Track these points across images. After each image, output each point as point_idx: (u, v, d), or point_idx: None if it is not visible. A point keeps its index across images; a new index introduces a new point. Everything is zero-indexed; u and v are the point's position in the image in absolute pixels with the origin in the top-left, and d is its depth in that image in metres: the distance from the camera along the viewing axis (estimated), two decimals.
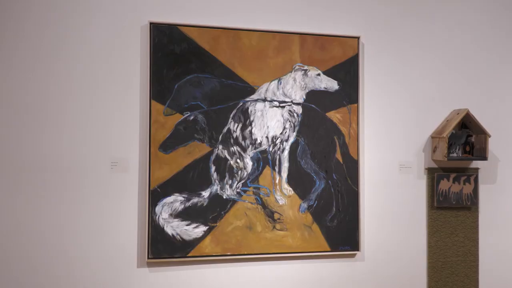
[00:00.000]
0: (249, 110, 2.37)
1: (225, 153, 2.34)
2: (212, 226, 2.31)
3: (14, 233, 2.15)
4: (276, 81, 2.40)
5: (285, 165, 2.40)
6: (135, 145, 2.26)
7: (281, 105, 2.40)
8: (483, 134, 2.55)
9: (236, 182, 2.34)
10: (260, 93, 2.38)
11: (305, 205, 2.42)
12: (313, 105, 2.43)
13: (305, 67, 2.42)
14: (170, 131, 2.26)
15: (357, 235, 2.47)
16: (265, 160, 2.38)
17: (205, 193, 2.30)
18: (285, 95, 2.40)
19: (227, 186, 2.33)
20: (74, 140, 2.20)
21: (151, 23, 2.24)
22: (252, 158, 2.37)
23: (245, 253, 2.34)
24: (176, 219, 2.26)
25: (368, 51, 2.54)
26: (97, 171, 2.22)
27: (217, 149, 2.33)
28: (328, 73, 2.45)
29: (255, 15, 2.41)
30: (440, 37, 2.65)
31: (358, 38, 2.49)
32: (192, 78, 2.29)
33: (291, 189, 2.40)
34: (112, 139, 2.24)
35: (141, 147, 2.26)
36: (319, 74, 2.44)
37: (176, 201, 2.27)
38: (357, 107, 2.48)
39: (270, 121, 2.39)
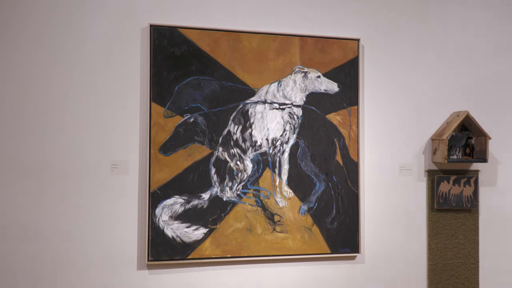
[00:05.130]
0: (249, 112, 2.37)
1: (225, 155, 2.34)
2: (212, 228, 2.30)
3: (15, 235, 2.15)
4: (276, 83, 2.40)
5: (285, 167, 2.40)
6: (135, 147, 2.26)
7: (281, 107, 2.40)
8: (483, 136, 2.55)
9: (236, 184, 2.34)
10: (260, 95, 2.38)
11: (305, 207, 2.42)
12: (313, 107, 2.43)
13: (305, 69, 2.42)
14: (170, 133, 2.26)
15: (357, 237, 2.47)
16: (265, 162, 2.38)
17: (205, 195, 2.30)
18: (285, 97, 2.40)
19: (227, 188, 2.33)
20: (75, 142, 2.20)
21: (151, 25, 2.24)
22: (252, 160, 2.37)
23: (245, 255, 2.34)
24: (176, 221, 2.26)
25: (368, 53, 2.55)
26: (97, 173, 2.22)
27: (217, 151, 2.33)
28: (328, 75, 2.45)
29: (255, 18, 2.41)
30: (440, 39, 2.65)
31: (358, 40, 2.49)
32: (192, 80, 2.29)
33: (291, 191, 2.40)
34: (112, 141, 2.24)
35: (141, 149, 2.26)
36: (319, 76, 2.44)
37: (176, 203, 2.26)
38: (357, 109, 2.48)
39: (270, 123, 2.39)
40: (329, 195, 2.44)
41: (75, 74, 2.21)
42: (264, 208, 2.37)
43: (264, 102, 2.38)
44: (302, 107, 2.42)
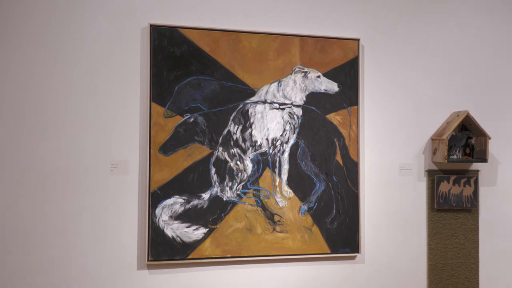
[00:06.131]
0: (249, 112, 2.37)
1: (225, 155, 2.34)
2: (212, 228, 2.30)
3: (15, 235, 2.15)
4: (276, 83, 2.40)
5: (285, 167, 2.40)
6: (135, 147, 2.26)
7: (281, 107, 2.40)
8: (483, 136, 2.55)
9: (236, 184, 2.34)
10: (260, 95, 2.38)
11: (305, 207, 2.42)
12: (313, 107, 2.43)
13: (305, 69, 2.42)
14: (170, 133, 2.26)
15: (357, 237, 2.47)
16: (265, 162, 2.38)
17: (205, 195, 2.30)
18: (285, 97, 2.40)
19: (227, 188, 2.33)
20: (75, 143, 2.20)
21: (151, 25, 2.24)
22: (252, 160, 2.37)
23: (245, 255, 2.34)
24: (176, 221, 2.26)
25: (368, 53, 2.55)
26: (97, 173, 2.22)
27: (217, 151, 2.33)
28: (328, 75, 2.45)
29: (255, 17, 2.41)
30: (440, 39, 2.65)
31: (358, 40, 2.49)
32: (192, 80, 2.29)
33: (291, 191, 2.40)
34: (112, 142, 2.24)
35: (141, 149, 2.26)
36: (319, 76, 2.44)
37: (176, 203, 2.26)
38: (357, 109, 2.48)
39: (270, 123, 2.39)
40: (329, 195, 2.44)
41: (75, 74, 2.21)
42: (264, 208, 2.37)
43: (264, 102, 2.38)
44: (302, 107, 2.42)
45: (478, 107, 2.68)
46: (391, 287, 2.57)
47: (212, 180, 2.31)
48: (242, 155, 2.36)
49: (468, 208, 2.63)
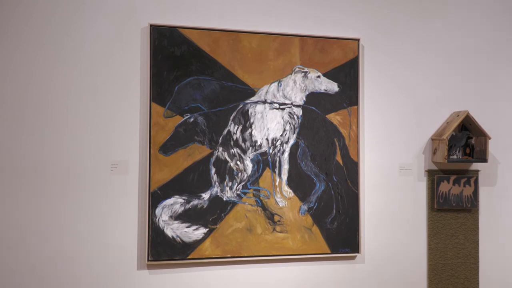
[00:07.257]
0: (249, 112, 2.37)
1: (225, 155, 2.34)
2: (212, 228, 2.30)
3: (15, 235, 2.15)
4: (276, 83, 2.40)
5: (285, 167, 2.40)
6: (135, 147, 2.26)
7: (281, 107, 2.40)
8: (483, 136, 2.55)
9: (236, 184, 2.34)
10: (260, 95, 2.38)
11: (305, 207, 2.42)
12: (313, 107, 2.43)
13: (305, 69, 2.42)
14: (170, 133, 2.26)
15: (357, 237, 2.47)
16: (265, 162, 2.38)
17: (205, 195, 2.30)
18: (285, 97, 2.40)
19: (227, 188, 2.33)
20: (75, 142, 2.20)
21: (151, 25, 2.24)
22: (252, 160, 2.37)
23: (245, 255, 2.34)
24: (176, 221, 2.26)
25: (368, 53, 2.55)
26: (97, 173, 2.22)
27: (217, 151, 2.33)
28: (328, 75, 2.45)
29: (255, 18, 2.41)
30: (440, 39, 2.65)
31: (358, 40, 2.49)
32: (192, 80, 2.30)
33: (291, 191, 2.40)
34: (112, 141, 2.24)
35: (141, 149, 2.26)
36: (319, 76, 2.44)
37: (176, 203, 2.26)
38: (357, 109, 2.48)
39: (270, 123, 2.39)
40: (329, 195, 2.44)
41: (75, 74, 2.21)
42: (264, 208, 2.37)
43: (264, 102, 2.38)
44: (302, 107, 2.42)
45: (478, 107, 2.68)
46: (391, 287, 2.57)
47: (212, 180, 2.31)
48: (242, 155, 2.36)
49: (468, 208, 2.63)
